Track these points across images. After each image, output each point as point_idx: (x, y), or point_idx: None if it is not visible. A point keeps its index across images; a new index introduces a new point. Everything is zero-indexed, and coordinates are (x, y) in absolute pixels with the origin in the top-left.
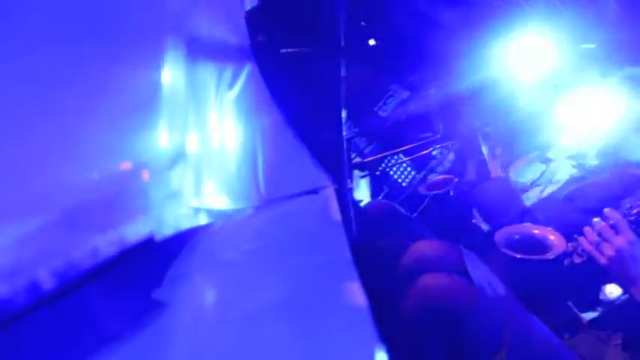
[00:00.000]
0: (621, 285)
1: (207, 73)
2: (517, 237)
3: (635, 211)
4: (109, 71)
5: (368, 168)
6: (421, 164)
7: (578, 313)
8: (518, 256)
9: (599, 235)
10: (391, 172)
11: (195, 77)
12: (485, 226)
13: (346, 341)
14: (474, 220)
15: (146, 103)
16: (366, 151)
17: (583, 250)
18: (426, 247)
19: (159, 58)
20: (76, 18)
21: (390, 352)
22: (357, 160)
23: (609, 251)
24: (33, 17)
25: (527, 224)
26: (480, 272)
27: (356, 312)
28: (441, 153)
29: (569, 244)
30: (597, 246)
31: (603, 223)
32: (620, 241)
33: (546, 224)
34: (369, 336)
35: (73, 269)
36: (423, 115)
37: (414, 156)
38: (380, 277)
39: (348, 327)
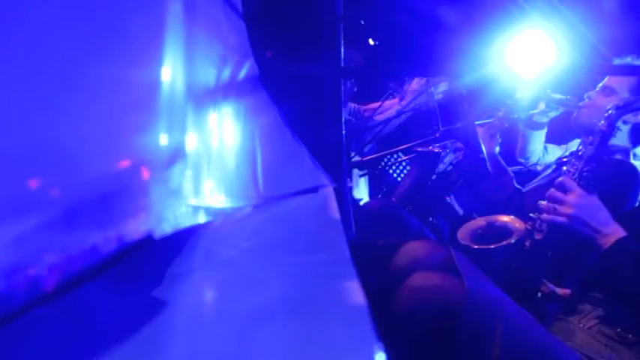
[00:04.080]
0: (586, 237)
1: (207, 72)
2: (479, 231)
3: (576, 175)
4: (109, 70)
5: (367, 167)
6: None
7: (555, 288)
8: (492, 246)
9: (552, 199)
10: (390, 171)
11: (195, 76)
12: (459, 209)
13: (345, 340)
14: (447, 199)
15: (146, 102)
16: (366, 149)
17: (541, 225)
18: (417, 248)
19: (158, 57)
20: (76, 17)
21: (387, 351)
22: (357, 158)
23: (567, 210)
24: (33, 17)
25: (483, 218)
26: (470, 271)
27: (355, 311)
28: (440, 162)
29: (528, 224)
30: (554, 211)
31: (552, 190)
32: (572, 198)
33: (534, 209)
34: (368, 335)
35: (73, 267)
36: (422, 113)
37: (413, 155)
38: (376, 276)
39: (347, 326)
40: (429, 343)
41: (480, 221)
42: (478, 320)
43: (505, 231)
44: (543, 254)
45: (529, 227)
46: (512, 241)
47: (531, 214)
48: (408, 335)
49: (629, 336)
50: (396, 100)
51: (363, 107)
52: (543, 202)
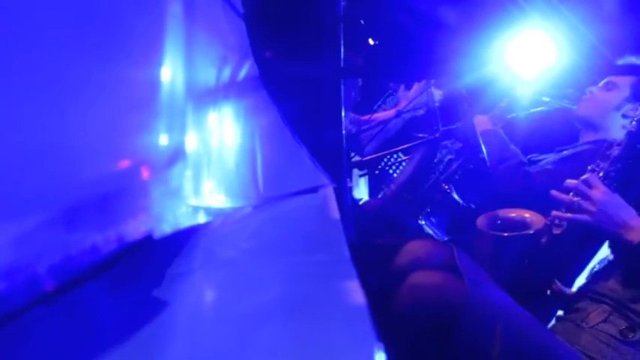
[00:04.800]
0: (611, 233)
1: (207, 72)
2: (499, 221)
3: (601, 174)
4: (109, 70)
5: (367, 167)
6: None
7: (563, 287)
8: (506, 234)
9: (576, 193)
10: (390, 171)
11: (195, 76)
12: (459, 199)
13: (345, 340)
14: (446, 189)
15: (146, 102)
16: (365, 150)
17: (561, 221)
18: (418, 247)
19: (158, 57)
20: (75, 17)
21: (386, 351)
22: (357, 158)
23: (591, 207)
24: (32, 16)
25: (506, 209)
26: (471, 270)
27: (355, 311)
28: (441, 152)
29: (547, 219)
30: (578, 206)
31: (575, 182)
32: (597, 194)
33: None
34: (368, 335)
35: (72, 267)
36: (422, 113)
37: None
38: (377, 276)
39: (347, 326)
40: (429, 343)
41: (500, 212)
42: (478, 320)
43: (524, 225)
44: (559, 252)
45: (548, 222)
46: (531, 232)
47: (553, 212)
48: (407, 334)
49: (632, 336)
50: (392, 111)
51: (364, 118)
52: (566, 197)
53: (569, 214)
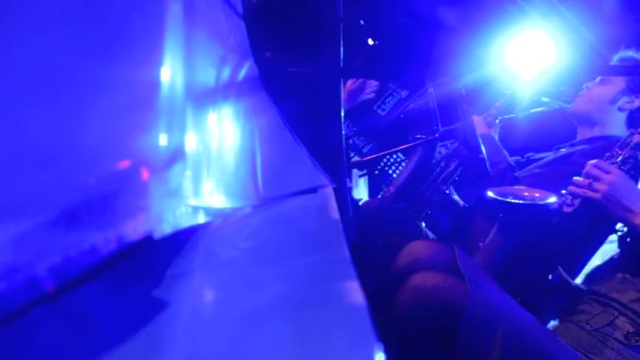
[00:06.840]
0: (618, 216)
1: (207, 72)
2: (510, 196)
3: (619, 158)
4: (109, 70)
5: (367, 167)
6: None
7: (568, 278)
8: (519, 201)
9: (589, 176)
10: (390, 171)
11: (195, 76)
12: (459, 200)
13: (345, 340)
14: (446, 191)
15: (146, 102)
16: (365, 149)
17: (572, 200)
18: (419, 248)
19: (158, 57)
20: (75, 17)
21: (386, 352)
22: (356, 159)
23: (602, 187)
24: (33, 16)
25: (517, 187)
26: (472, 271)
27: (354, 311)
28: (439, 152)
29: (559, 198)
30: (589, 186)
31: (589, 167)
32: (609, 177)
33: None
34: (368, 335)
35: (72, 267)
36: (421, 113)
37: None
38: (376, 276)
39: (347, 326)
40: (429, 344)
41: (511, 188)
42: (478, 321)
43: (534, 200)
44: (567, 233)
45: (559, 202)
46: (541, 202)
47: (563, 191)
48: (408, 336)
49: (637, 340)
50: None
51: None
52: (579, 178)
53: (581, 190)
